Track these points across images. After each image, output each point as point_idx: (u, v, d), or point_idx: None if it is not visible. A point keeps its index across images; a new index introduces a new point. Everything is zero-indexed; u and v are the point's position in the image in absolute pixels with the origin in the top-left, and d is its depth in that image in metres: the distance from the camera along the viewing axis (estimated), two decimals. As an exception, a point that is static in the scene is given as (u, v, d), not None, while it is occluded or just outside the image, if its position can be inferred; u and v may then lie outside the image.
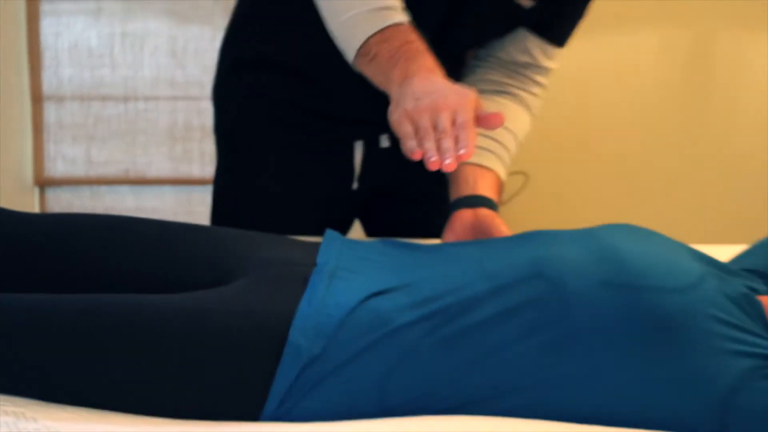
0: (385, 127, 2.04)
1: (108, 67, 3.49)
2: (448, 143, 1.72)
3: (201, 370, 1.67)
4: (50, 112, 3.51)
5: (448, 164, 1.71)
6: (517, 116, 2.37)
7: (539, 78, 2.41)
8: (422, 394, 1.68)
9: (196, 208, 3.62)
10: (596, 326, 1.70)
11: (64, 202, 3.60)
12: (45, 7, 3.42)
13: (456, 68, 2.36)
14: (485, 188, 2.26)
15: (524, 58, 2.38)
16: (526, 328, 1.70)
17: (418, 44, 2.01)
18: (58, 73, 3.48)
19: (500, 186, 2.30)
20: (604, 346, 1.69)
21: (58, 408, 1.64)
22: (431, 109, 1.78)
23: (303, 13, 2.20)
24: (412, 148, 1.75)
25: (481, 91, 2.16)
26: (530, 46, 2.37)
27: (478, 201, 2.25)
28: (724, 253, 2.18)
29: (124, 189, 3.60)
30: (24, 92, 3.49)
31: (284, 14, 2.34)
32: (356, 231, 2.61)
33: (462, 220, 2.22)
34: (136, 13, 3.45)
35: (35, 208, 3.59)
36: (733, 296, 1.78)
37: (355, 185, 2.43)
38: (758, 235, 2.25)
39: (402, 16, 2.04)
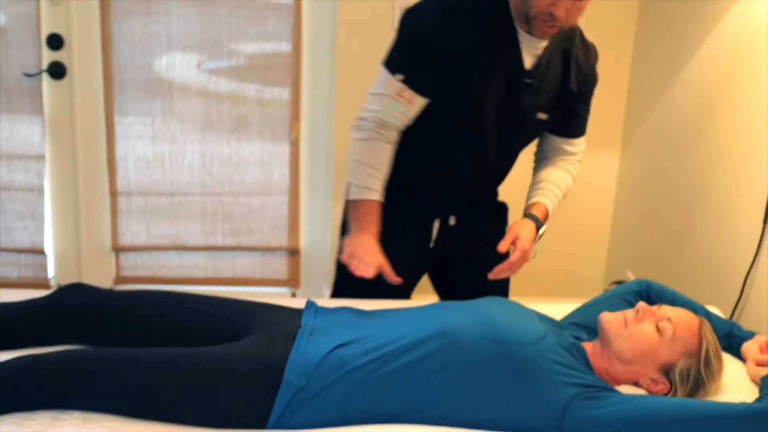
0: (453, 211, 2.36)
1: (160, 174, 3.44)
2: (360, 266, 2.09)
3: (225, 394, 1.69)
4: (122, 202, 3.45)
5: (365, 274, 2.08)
6: (561, 177, 2.37)
7: (579, 158, 2.41)
8: (370, 409, 1.71)
9: (219, 265, 3.57)
10: (478, 366, 1.73)
11: (131, 262, 3.55)
12: (118, 133, 3.36)
13: (510, 161, 2.43)
14: (534, 210, 2.30)
15: (563, 152, 2.39)
16: (436, 367, 1.73)
17: (372, 217, 2.20)
18: (127, 177, 3.43)
19: (546, 211, 2.31)
20: (484, 379, 1.72)
21: (138, 423, 1.66)
22: (353, 252, 2.13)
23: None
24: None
25: (543, 167, 2.41)
26: (557, 143, 2.39)
27: (526, 215, 2.28)
28: (563, 309, 2.19)
29: (171, 253, 3.55)
30: (105, 189, 3.44)
31: None
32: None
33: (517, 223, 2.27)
34: (177, 138, 3.40)
35: (112, 266, 3.55)
36: (564, 345, 1.82)
37: (431, 245, 2.40)
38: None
39: (371, 195, 2.21)
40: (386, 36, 3.16)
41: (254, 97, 3.38)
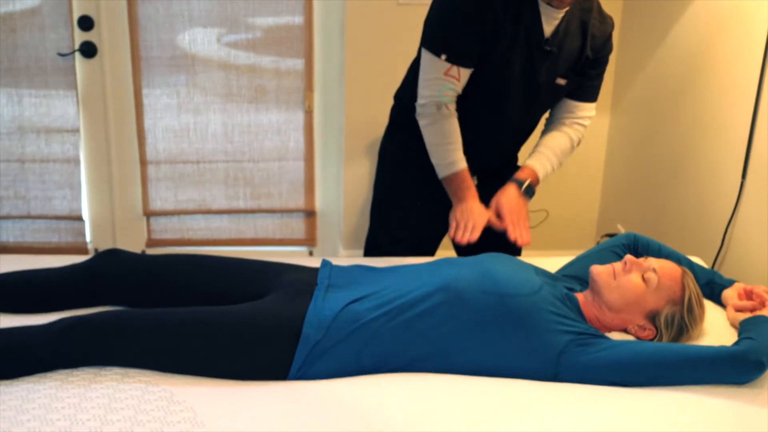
0: (476, 171, 2.35)
1: (185, 143, 3.45)
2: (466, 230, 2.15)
3: (250, 348, 1.71)
4: (151, 170, 3.47)
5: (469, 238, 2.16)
6: (558, 143, 2.37)
7: (585, 122, 2.39)
8: (381, 359, 1.73)
9: (241, 227, 3.59)
10: (480, 317, 1.75)
11: (161, 225, 3.57)
12: (146, 106, 3.37)
13: (531, 125, 2.44)
14: (519, 174, 2.31)
15: (570, 114, 2.38)
16: (441, 319, 1.75)
17: (465, 184, 2.25)
18: (156, 147, 3.44)
19: (533, 173, 2.32)
20: (486, 329, 1.74)
21: (172, 376, 1.68)
22: (459, 222, 2.18)
23: None
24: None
25: (547, 130, 2.41)
26: (567, 105, 2.37)
27: (514, 179, 2.30)
28: (558, 262, 2.21)
29: (198, 216, 3.56)
30: (135, 159, 3.45)
31: None
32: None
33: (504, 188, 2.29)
34: (201, 109, 3.40)
35: (144, 230, 3.57)
36: (559, 296, 1.84)
37: None
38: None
39: (457, 166, 2.25)
40: (392, 7, 3.18)
41: (271, 68, 3.37)
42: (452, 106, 2.23)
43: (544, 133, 2.42)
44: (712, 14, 2.56)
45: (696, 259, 2.20)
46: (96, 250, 3.53)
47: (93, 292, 1.92)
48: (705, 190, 2.59)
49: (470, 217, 2.19)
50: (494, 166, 2.42)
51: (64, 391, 1.59)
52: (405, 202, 2.46)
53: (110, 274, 1.93)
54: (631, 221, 3.24)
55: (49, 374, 1.64)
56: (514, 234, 2.19)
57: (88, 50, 3.26)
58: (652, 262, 1.87)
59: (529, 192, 2.29)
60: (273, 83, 3.39)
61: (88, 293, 1.92)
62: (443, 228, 2.45)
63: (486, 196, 2.34)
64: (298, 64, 3.36)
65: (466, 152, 2.30)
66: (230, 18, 3.29)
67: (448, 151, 2.24)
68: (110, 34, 3.27)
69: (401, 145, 2.44)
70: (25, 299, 1.91)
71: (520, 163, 2.45)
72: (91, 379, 1.63)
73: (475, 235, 2.15)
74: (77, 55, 3.26)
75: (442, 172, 2.27)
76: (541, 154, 2.35)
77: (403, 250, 2.40)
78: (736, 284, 2.03)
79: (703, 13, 2.63)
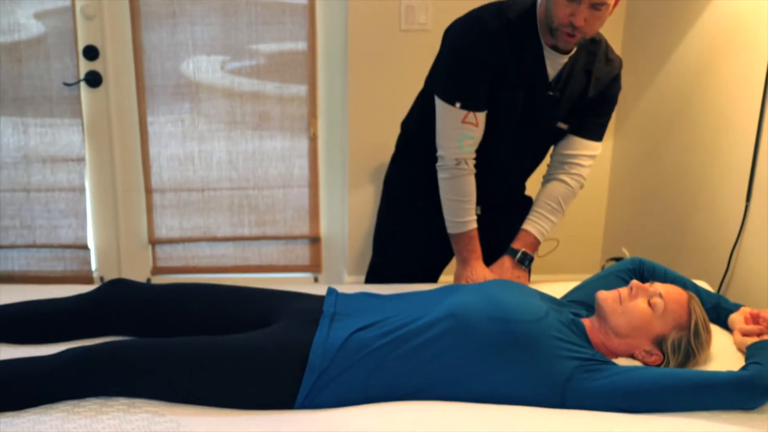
0: (480, 202, 2.34)
1: (190, 170, 3.46)
2: None
3: (256, 377, 1.70)
4: (157, 198, 3.47)
5: None
6: (558, 192, 2.35)
7: (585, 162, 2.35)
8: (389, 387, 1.72)
9: (246, 254, 3.59)
10: (486, 344, 1.74)
11: (166, 253, 3.57)
12: (151, 134, 3.38)
13: (538, 159, 2.44)
14: (516, 243, 2.32)
15: (572, 151, 2.35)
16: (447, 346, 1.75)
17: (471, 245, 2.28)
18: (160, 175, 3.45)
19: (529, 239, 2.32)
20: (492, 356, 1.74)
21: (178, 406, 1.67)
22: (466, 279, 2.22)
23: None
24: None
25: (549, 173, 2.40)
26: (574, 143, 2.34)
27: (508, 251, 2.32)
28: (563, 288, 2.20)
29: (203, 244, 3.57)
30: (140, 187, 3.46)
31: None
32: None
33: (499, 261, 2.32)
34: (205, 136, 3.42)
35: (149, 258, 3.57)
36: (565, 322, 1.84)
37: None
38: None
39: (467, 227, 2.28)
40: (394, 34, 3.20)
41: (274, 94, 3.38)
42: (471, 162, 2.24)
43: (545, 180, 2.41)
44: (713, 37, 2.58)
45: (702, 283, 2.20)
46: (101, 278, 3.53)
47: (99, 322, 1.92)
48: (709, 213, 2.59)
49: (476, 279, 2.23)
50: (499, 196, 2.43)
51: (70, 422, 1.59)
52: (409, 230, 2.47)
53: (116, 304, 1.93)
54: (636, 244, 3.24)
55: (55, 405, 1.64)
56: None
57: (93, 79, 3.28)
58: (658, 287, 1.87)
59: (525, 260, 2.32)
60: (277, 110, 3.40)
61: (94, 324, 1.92)
62: (446, 256, 2.45)
63: (489, 227, 2.36)
64: (302, 90, 3.38)
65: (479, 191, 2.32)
66: (234, 45, 3.31)
67: (461, 210, 2.26)
68: (115, 64, 3.29)
69: (406, 174, 2.46)
70: (31, 330, 1.91)
71: (529, 191, 2.47)
72: (97, 410, 1.63)
73: None
74: (82, 84, 3.28)
75: (452, 229, 2.29)
76: (537, 213, 2.35)
77: (406, 277, 2.40)
78: (742, 308, 2.02)
79: (703, 35, 2.64)
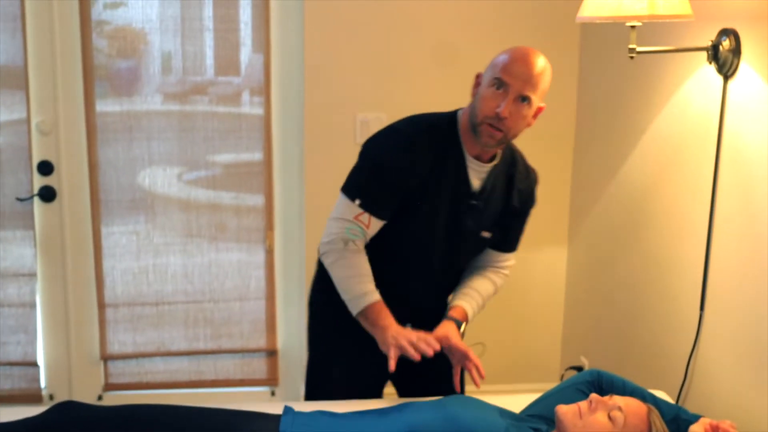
0: (408, 319, 2.26)
1: (145, 285, 3.42)
2: (421, 345, 2.04)
3: None
4: (110, 313, 3.42)
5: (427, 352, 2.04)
6: (485, 287, 2.38)
7: (504, 270, 2.44)
8: None
9: (202, 368, 3.51)
10: (446, 464, 1.73)
11: (119, 369, 3.49)
12: (105, 249, 3.35)
13: (457, 272, 2.43)
14: (454, 313, 2.28)
15: (493, 263, 2.41)
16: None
17: (383, 313, 2.17)
18: (114, 289, 3.40)
19: (465, 315, 2.30)
20: None
21: None
22: (399, 343, 2.07)
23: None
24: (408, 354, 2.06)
25: (471, 274, 2.40)
26: (490, 255, 2.41)
27: (451, 318, 2.27)
28: (522, 401, 2.18)
29: (157, 359, 3.49)
30: (93, 302, 3.41)
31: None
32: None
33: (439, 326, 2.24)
34: (161, 250, 3.40)
35: (101, 375, 3.48)
36: (525, 438, 1.83)
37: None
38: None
39: (371, 297, 2.18)
40: (349, 146, 3.24)
41: (231, 205, 3.40)
42: (360, 243, 2.22)
43: (468, 273, 2.43)
44: (662, 146, 2.65)
45: (660, 393, 2.20)
46: (51, 396, 3.43)
47: (46, 449, 1.85)
48: (665, 322, 2.61)
49: (412, 334, 2.11)
50: (426, 311, 2.39)
51: None
52: (343, 356, 2.40)
53: (64, 428, 1.86)
54: (595, 353, 3.24)
55: None
56: (476, 361, 2.16)
57: (47, 194, 3.26)
58: (617, 400, 1.87)
59: (463, 334, 2.30)
60: (234, 221, 3.41)
61: (42, 451, 1.85)
62: (383, 371, 2.39)
63: None
64: (259, 200, 3.39)
65: (394, 297, 2.26)
66: (190, 157, 3.33)
67: (359, 283, 2.20)
68: (69, 179, 3.28)
69: (331, 295, 2.33)
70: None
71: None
72: None
73: (436, 346, 2.08)
74: (36, 199, 3.26)
75: (356, 307, 2.20)
76: (468, 296, 2.36)
77: (346, 395, 2.29)
78: (701, 419, 2.01)
79: (652, 146, 2.72)
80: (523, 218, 2.40)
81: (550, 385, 2.20)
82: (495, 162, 2.25)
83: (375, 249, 2.27)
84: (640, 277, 2.80)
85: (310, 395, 2.48)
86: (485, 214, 2.28)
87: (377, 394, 2.46)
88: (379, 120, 3.21)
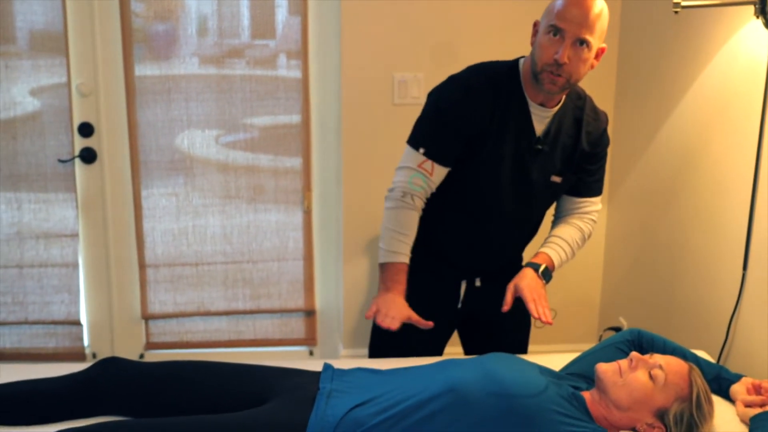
0: (478, 273, 2.34)
1: (184, 245, 3.45)
2: (386, 321, 2.12)
3: None
4: (150, 273, 3.47)
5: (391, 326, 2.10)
6: (570, 233, 2.35)
7: (590, 216, 2.40)
8: None
9: (241, 328, 3.55)
10: (486, 419, 1.73)
11: (160, 328, 3.54)
12: (145, 210, 3.39)
13: (533, 222, 2.43)
14: (533, 259, 2.29)
15: (576, 209, 2.39)
16: (446, 422, 1.74)
17: (398, 277, 2.22)
18: (154, 250, 3.45)
19: (549, 259, 2.29)
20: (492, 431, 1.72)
21: None
22: (378, 308, 2.14)
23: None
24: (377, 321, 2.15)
25: (555, 225, 2.41)
26: (571, 202, 2.39)
27: (529, 264, 2.27)
28: (562, 360, 2.17)
29: (197, 319, 3.54)
30: (134, 262, 3.45)
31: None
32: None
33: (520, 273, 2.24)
34: (200, 211, 3.43)
35: (143, 334, 3.54)
36: (564, 395, 1.82)
37: (459, 306, 2.42)
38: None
39: (397, 258, 2.24)
40: (387, 108, 3.23)
41: (269, 167, 3.40)
42: (419, 201, 2.25)
43: (553, 225, 2.43)
44: (705, 106, 2.60)
45: (701, 353, 2.18)
46: (94, 354, 3.49)
47: (92, 402, 1.89)
48: (706, 282, 2.58)
49: (392, 307, 2.15)
50: (497, 267, 2.41)
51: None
52: (411, 305, 2.40)
53: (109, 384, 1.90)
54: (634, 314, 3.22)
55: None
56: (537, 311, 2.14)
57: (88, 156, 3.29)
58: (658, 358, 1.86)
59: (546, 276, 2.27)
60: (271, 183, 3.42)
61: (87, 404, 1.89)
62: (447, 328, 2.42)
63: (488, 299, 2.32)
64: (296, 163, 3.40)
65: (464, 251, 2.30)
66: (228, 120, 3.34)
67: (397, 241, 2.24)
68: (110, 140, 3.31)
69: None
70: (24, 412, 1.87)
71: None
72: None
73: (395, 325, 2.11)
74: (77, 161, 3.29)
75: (383, 257, 2.26)
76: (554, 243, 2.34)
77: (407, 353, 2.35)
78: (743, 379, 2.01)
79: (695, 104, 2.67)
80: (599, 161, 2.36)
81: (588, 347, 2.20)
82: (557, 108, 2.23)
83: (446, 201, 2.29)
84: (681, 237, 2.77)
85: (373, 350, 2.51)
86: (553, 158, 2.26)
87: (438, 351, 2.48)
88: (417, 79, 3.19)
